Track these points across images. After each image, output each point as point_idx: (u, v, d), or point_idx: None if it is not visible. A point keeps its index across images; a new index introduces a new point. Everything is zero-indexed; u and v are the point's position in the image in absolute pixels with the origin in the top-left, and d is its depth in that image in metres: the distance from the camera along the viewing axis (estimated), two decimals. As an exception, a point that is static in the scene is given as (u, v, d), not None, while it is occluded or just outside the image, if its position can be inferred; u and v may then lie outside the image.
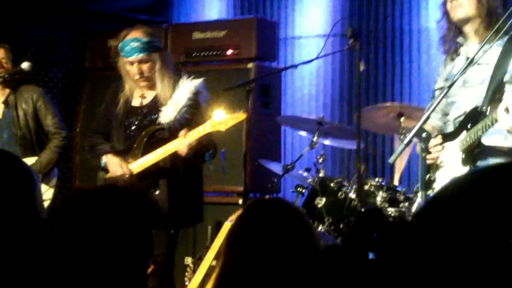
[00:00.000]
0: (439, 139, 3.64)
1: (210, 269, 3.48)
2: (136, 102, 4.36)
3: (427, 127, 3.55)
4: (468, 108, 3.57)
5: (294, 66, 4.85)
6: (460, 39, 3.72)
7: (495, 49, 3.47)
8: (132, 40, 4.24)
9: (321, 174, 4.79)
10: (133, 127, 4.32)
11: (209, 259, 3.70)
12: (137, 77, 4.26)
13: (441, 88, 3.80)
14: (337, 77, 6.81)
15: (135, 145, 4.26)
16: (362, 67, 4.39)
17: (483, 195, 1.02)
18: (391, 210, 4.51)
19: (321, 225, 4.60)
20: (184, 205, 4.26)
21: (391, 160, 3.50)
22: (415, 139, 3.26)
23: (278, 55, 6.35)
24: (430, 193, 3.50)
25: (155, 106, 4.29)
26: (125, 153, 4.28)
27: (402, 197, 4.56)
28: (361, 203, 4.30)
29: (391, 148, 6.39)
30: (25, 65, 5.03)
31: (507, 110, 3.20)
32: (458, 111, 3.65)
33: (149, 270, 1.70)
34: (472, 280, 0.98)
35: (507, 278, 0.96)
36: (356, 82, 4.94)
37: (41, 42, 6.75)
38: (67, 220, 1.66)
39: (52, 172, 5.13)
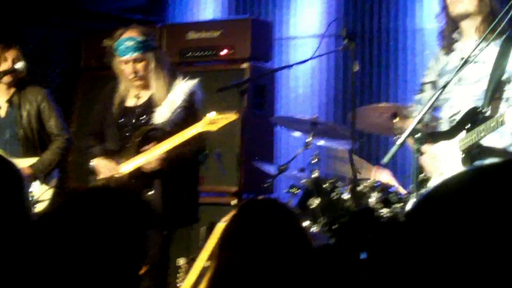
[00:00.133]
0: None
1: (203, 270, 3.47)
2: (131, 102, 4.35)
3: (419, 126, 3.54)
4: (463, 107, 3.54)
5: (289, 67, 4.86)
6: (455, 35, 3.69)
7: (492, 47, 3.45)
8: (127, 39, 4.23)
9: (315, 175, 4.79)
10: (127, 127, 4.31)
11: (202, 260, 3.69)
12: (131, 76, 4.25)
13: (432, 83, 3.79)
14: (332, 78, 6.80)
15: (128, 145, 4.26)
16: (356, 68, 4.39)
17: (475, 194, 1.02)
18: (385, 211, 4.50)
19: (315, 225, 4.59)
20: (178, 205, 4.25)
21: (385, 160, 3.50)
22: (408, 140, 3.26)
23: (273, 55, 6.35)
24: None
25: (149, 106, 4.29)
26: (119, 153, 4.28)
27: (395, 198, 4.56)
28: (355, 203, 4.30)
29: (385, 149, 6.39)
30: (19, 65, 5.02)
31: None
32: (452, 109, 3.62)
33: (143, 270, 1.69)
34: (464, 279, 0.98)
35: (500, 276, 0.96)
36: (351, 83, 4.94)
37: (36, 41, 6.74)
38: (60, 220, 1.66)
39: (52, 172, 5.13)
